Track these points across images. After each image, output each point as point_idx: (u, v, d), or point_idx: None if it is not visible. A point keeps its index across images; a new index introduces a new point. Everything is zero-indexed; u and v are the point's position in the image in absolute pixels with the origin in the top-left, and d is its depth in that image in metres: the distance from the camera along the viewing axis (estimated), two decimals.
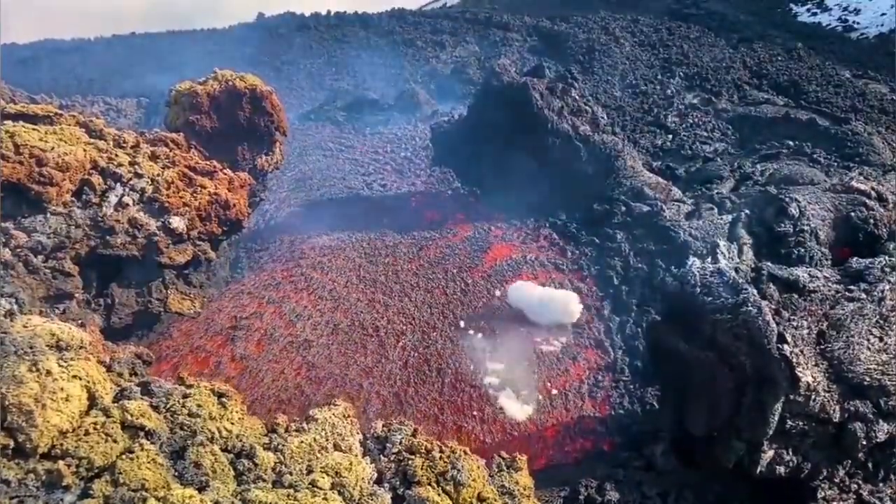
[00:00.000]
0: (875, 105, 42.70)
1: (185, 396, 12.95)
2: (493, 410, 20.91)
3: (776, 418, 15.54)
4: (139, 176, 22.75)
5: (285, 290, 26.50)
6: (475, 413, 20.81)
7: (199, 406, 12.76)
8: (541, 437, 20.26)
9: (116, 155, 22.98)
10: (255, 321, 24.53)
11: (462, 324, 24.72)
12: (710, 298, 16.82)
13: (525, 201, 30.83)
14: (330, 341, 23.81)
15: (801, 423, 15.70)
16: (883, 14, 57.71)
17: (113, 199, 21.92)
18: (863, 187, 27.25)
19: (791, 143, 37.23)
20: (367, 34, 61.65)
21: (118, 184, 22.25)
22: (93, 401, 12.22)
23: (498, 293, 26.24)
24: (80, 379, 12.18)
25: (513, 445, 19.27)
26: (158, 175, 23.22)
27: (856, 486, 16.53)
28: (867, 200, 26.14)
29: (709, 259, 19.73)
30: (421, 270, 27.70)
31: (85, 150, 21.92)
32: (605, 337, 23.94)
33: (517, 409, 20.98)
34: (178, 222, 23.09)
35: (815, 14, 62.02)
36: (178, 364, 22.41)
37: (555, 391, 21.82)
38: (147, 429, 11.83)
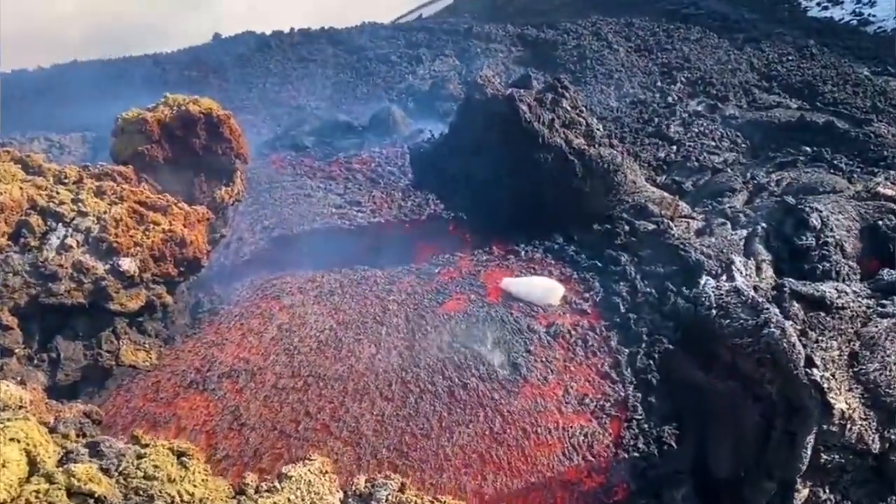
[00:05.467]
0: None
1: (139, 457, 12.63)
2: (487, 369, 22.15)
3: (809, 452, 15.34)
4: (83, 214, 22.51)
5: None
6: (475, 371, 21.99)
7: (155, 467, 12.45)
8: (541, 395, 21.16)
9: (57, 192, 22.75)
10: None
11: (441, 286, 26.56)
12: (727, 321, 16.69)
13: (516, 224, 30.69)
14: (344, 291, 26.26)
15: (836, 457, 15.50)
16: None
17: (54, 241, 21.66)
18: (890, 193, 27.42)
19: (808, 149, 37.40)
20: (336, 51, 61.70)
21: (60, 224, 22.01)
22: (34, 466, 11.92)
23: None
24: (19, 441, 11.86)
25: (516, 403, 20.75)
26: (105, 212, 22.95)
27: None
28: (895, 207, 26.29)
29: (724, 277, 19.66)
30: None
31: (21, 189, 21.74)
32: (612, 370, 23.70)
33: (510, 368, 22.34)
34: (128, 264, 22.77)
35: (826, 8, 62.80)
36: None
37: (551, 365, 22.56)
38: (97, 495, 11.51)
